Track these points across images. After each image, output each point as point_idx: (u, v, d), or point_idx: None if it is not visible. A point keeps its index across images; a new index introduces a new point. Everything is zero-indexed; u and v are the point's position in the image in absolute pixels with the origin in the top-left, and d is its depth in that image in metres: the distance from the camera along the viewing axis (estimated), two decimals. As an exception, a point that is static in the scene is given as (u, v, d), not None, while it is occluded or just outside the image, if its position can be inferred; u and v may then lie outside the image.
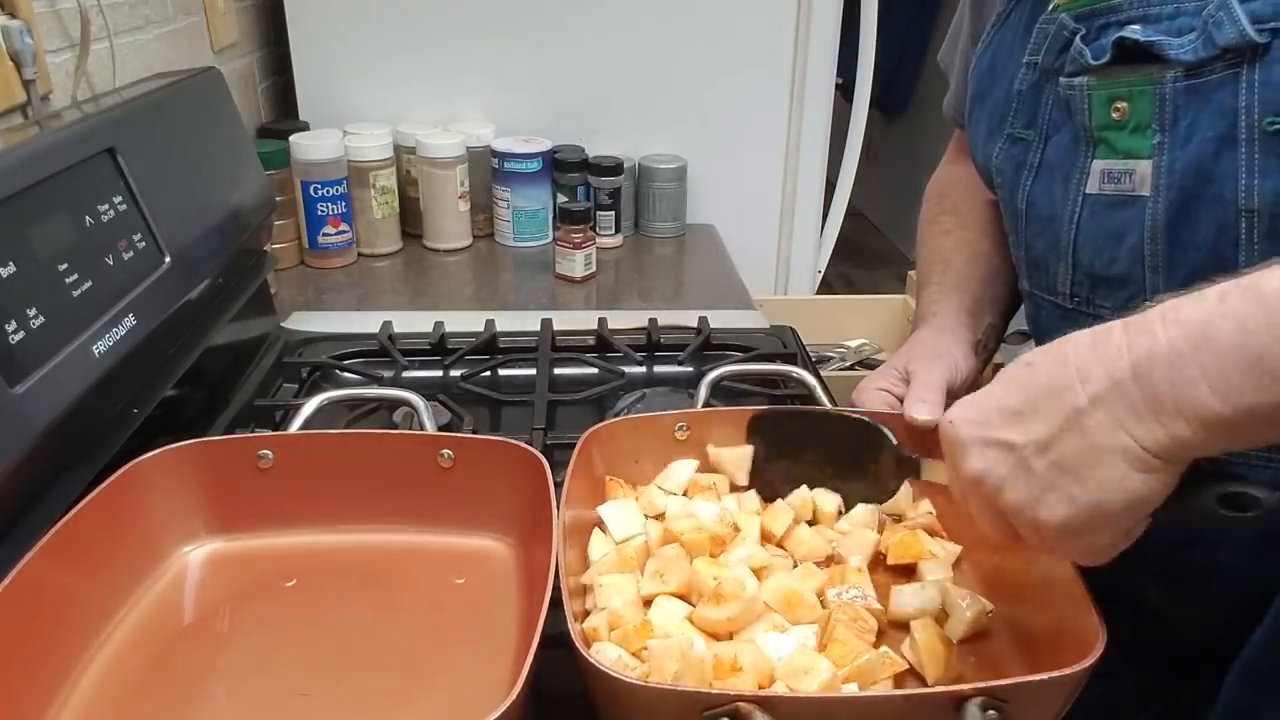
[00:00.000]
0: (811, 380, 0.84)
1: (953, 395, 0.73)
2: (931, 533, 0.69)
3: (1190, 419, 0.45)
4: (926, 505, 0.71)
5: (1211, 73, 0.59)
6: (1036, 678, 0.49)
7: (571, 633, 0.52)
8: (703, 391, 0.81)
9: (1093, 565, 0.52)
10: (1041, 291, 0.75)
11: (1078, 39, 0.66)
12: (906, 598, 0.62)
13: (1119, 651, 0.51)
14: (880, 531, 0.69)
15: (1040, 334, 0.80)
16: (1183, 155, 0.62)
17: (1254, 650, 0.66)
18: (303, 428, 0.73)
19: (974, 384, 0.79)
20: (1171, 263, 0.63)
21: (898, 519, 0.71)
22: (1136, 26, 0.62)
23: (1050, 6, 0.69)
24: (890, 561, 0.66)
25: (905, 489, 0.72)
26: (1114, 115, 0.65)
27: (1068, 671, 0.48)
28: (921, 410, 0.70)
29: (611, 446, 0.71)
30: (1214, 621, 0.74)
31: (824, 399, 0.81)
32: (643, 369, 1.05)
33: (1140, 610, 0.76)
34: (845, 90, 1.66)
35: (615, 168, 1.48)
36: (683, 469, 0.72)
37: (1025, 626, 0.60)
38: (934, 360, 0.75)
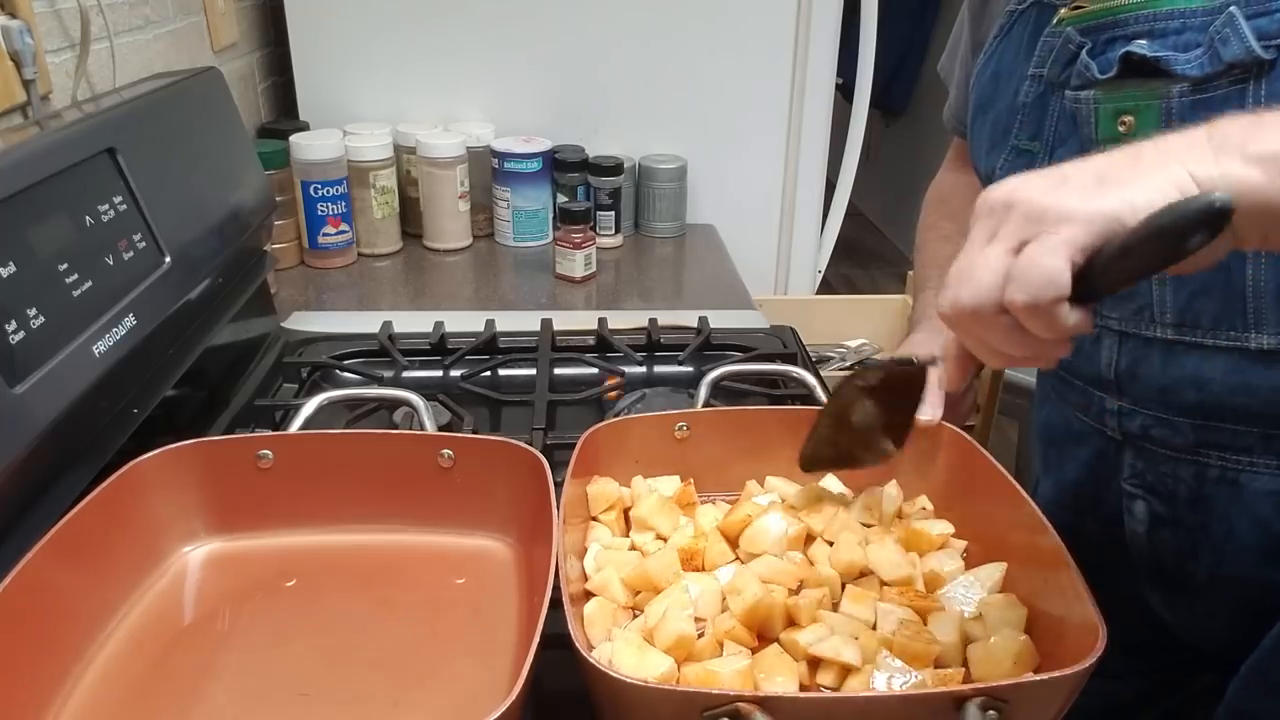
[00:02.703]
0: (811, 380, 0.84)
1: (949, 398, 0.73)
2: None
3: (1250, 157, 0.45)
4: (924, 501, 0.71)
5: (1218, 88, 0.60)
6: (1036, 678, 0.49)
7: (571, 633, 0.52)
8: (703, 391, 0.82)
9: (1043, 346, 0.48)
10: None
11: (1084, 53, 0.66)
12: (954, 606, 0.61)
13: (1120, 653, 0.51)
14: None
15: None
16: None
17: (1262, 654, 0.66)
18: (303, 428, 0.73)
19: (968, 388, 0.80)
20: (1179, 275, 0.63)
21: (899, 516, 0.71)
22: (1143, 41, 0.63)
23: (1055, 19, 0.69)
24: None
25: (895, 484, 0.72)
26: (1120, 129, 0.65)
27: (1068, 671, 0.48)
28: (923, 411, 0.70)
29: (611, 446, 0.71)
30: (1217, 627, 0.74)
31: (824, 399, 0.81)
32: (643, 369, 1.05)
33: (1143, 615, 0.76)
34: (845, 90, 1.66)
35: (615, 168, 1.48)
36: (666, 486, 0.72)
37: (1025, 626, 0.60)
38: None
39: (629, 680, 0.49)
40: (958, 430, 0.70)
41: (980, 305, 0.47)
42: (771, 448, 0.74)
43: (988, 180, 0.79)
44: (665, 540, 0.67)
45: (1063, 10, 0.69)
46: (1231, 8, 0.59)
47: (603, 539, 0.67)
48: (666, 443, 0.73)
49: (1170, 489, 0.71)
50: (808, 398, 0.84)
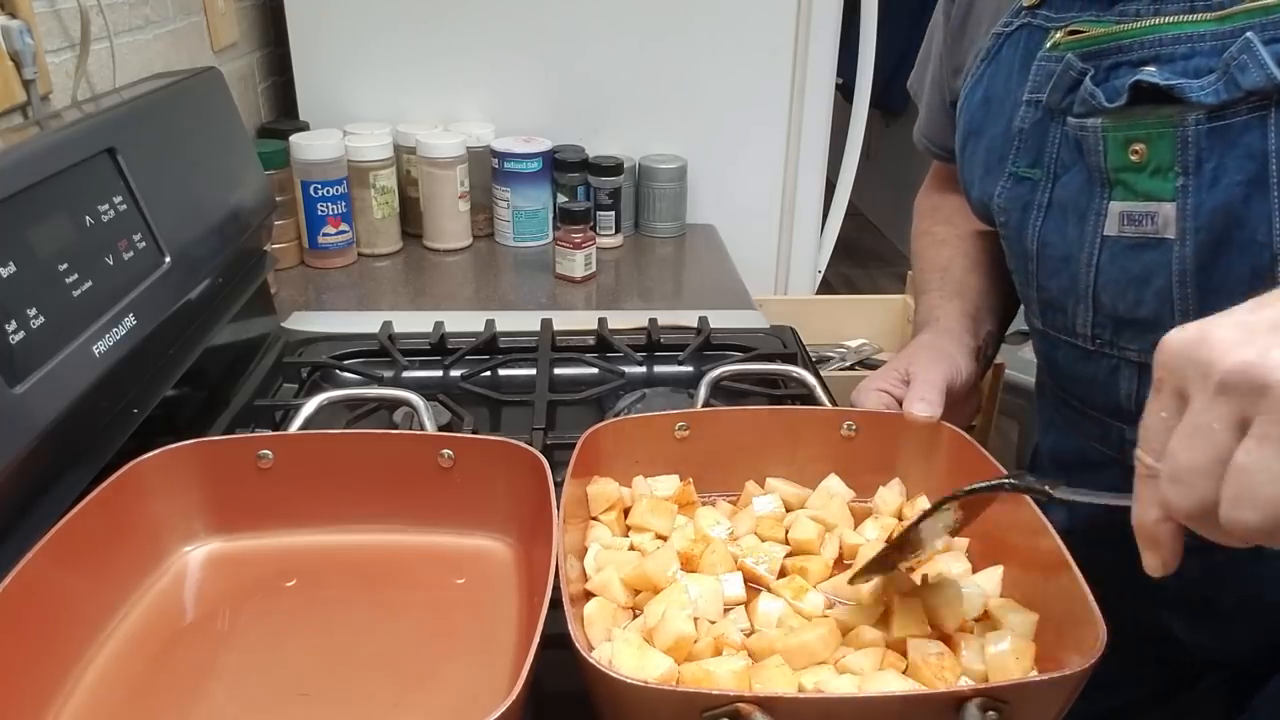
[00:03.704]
0: (811, 380, 0.84)
1: (952, 397, 0.72)
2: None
3: None
4: (924, 501, 0.71)
5: (1236, 115, 0.57)
6: (1036, 678, 0.49)
7: (571, 633, 0.52)
8: (703, 391, 0.82)
9: None
10: (1058, 332, 0.73)
11: (1087, 79, 0.63)
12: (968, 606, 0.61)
13: (1122, 660, 0.51)
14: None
15: (1057, 374, 0.78)
16: (1210, 198, 0.60)
17: None
18: (303, 428, 0.73)
19: (973, 388, 0.79)
20: (1204, 306, 0.61)
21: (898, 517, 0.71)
22: (1152, 68, 0.60)
23: (1049, 43, 0.66)
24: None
25: (897, 484, 0.72)
26: (1132, 157, 0.62)
27: (1068, 672, 0.48)
28: (922, 409, 0.70)
29: (611, 446, 0.71)
30: (1241, 648, 0.73)
31: (824, 399, 0.81)
32: (643, 369, 1.05)
33: (1157, 636, 0.75)
34: (845, 90, 1.66)
35: (615, 168, 1.48)
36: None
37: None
38: (935, 361, 0.74)
39: (629, 680, 0.49)
40: (958, 430, 0.70)
41: (1276, 526, 0.38)
42: (771, 448, 0.74)
43: (982, 208, 0.77)
44: (665, 539, 0.67)
45: (1058, 34, 0.66)
46: (1248, 33, 0.56)
47: (603, 539, 0.67)
48: (666, 443, 0.73)
49: None
50: (808, 398, 0.84)
